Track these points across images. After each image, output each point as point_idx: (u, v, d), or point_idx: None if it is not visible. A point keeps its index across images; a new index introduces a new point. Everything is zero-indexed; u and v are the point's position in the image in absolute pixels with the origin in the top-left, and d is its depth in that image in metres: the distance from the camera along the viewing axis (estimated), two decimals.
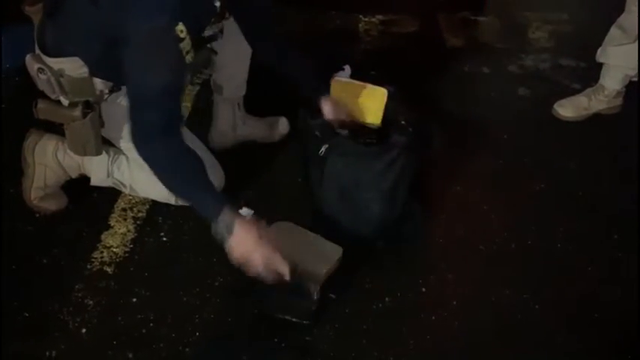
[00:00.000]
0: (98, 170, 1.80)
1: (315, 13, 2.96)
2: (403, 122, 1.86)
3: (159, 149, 1.42)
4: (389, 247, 1.75)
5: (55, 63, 1.52)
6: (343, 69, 2.03)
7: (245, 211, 1.84)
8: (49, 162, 1.78)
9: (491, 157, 2.11)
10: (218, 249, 1.72)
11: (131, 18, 1.32)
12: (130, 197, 1.91)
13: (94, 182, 1.83)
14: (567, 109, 2.27)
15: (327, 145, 1.71)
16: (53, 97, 1.58)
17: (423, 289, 1.68)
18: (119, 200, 1.91)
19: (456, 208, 1.91)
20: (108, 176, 1.81)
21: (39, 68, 1.53)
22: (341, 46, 2.73)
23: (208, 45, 1.65)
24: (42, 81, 1.56)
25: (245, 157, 2.05)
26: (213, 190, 1.49)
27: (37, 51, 1.56)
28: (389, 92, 1.77)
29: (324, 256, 1.59)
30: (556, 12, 2.99)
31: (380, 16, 2.97)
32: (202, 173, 1.47)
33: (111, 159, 1.79)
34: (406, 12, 2.98)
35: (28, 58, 1.57)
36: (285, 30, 2.77)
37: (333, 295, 1.60)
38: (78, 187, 1.86)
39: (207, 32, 1.59)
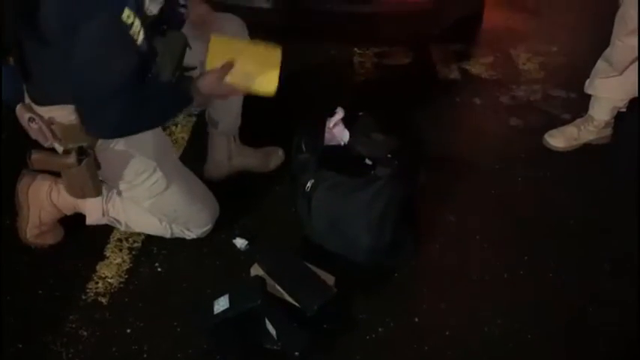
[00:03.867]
0: (93, 211, 1.83)
1: (311, 44, 3.02)
2: (389, 155, 1.90)
3: (130, 123, 1.49)
4: (380, 276, 1.76)
5: (46, 112, 1.52)
6: (336, 112, 2.07)
7: (239, 241, 1.88)
8: (43, 203, 1.80)
9: (483, 187, 2.14)
10: (212, 280, 1.75)
11: (80, 26, 1.32)
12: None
13: (89, 222, 1.85)
14: (558, 139, 2.30)
15: (312, 180, 1.75)
16: (46, 145, 1.58)
17: (416, 319, 1.69)
18: (114, 231, 1.93)
19: (448, 237, 1.93)
20: (103, 215, 1.83)
21: (30, 118, 1.52)
22: (335, 78, 2.79)
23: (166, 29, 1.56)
24: (34, 130, 1.54)
25: (239, 186, 2.08)
26: (171, 90, 1.56)
27: (27, 100, 1.55)
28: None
29: (317, 288, 1.59)
30: (546, 44, 3.05)
31: (374, 49, 3.04)
32: (155, 90, 1.51)
33: (105, 198, 1.81)
34: (400, 44, 3.05)
35: (19, 107, 1.56)
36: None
37: (325, 325, 1.61)
38: (74, 217, 1.88)
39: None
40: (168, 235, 1.86)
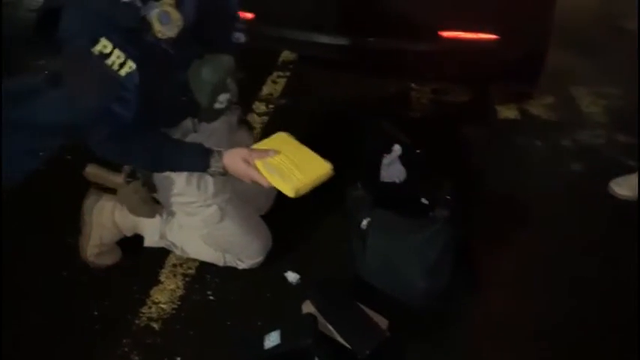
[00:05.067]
0: (151, 232, 1.87)
1: (367, 79, 3.04)
2: (448, 197, 1.87)
3: (121, 153, 1.50)
4: (435, 323, 1.71)
5: None
6: (393, 149, 2.06)
7: (291, 275, 1.87)
8: (106, 222, 1.85)
9: (544, 234, 2.07)
10: (262, 312, 1.75)
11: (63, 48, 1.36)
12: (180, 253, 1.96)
13: (147, 243, 1.90)
14: (623, 187, 2.21)
15: (368, 219, 1.73)
16: None
17: None
18: (170, 255, 1.96)
19: (507, 285, 1.86)
20: (161, 238, 1.87)
21: None
22: (391, 112, 2.78)
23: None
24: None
25: (292, 218, 2.07)
26: (188, 148, 1.55)
27: None
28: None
29: (370, 331, 1.56)
30: (610, 87, 2.97)
31: (431, 85, 3.03)
32: (170, 142, 1.54)
33: (164, 221, 1.85)
34: (456, 82, 3.02)
35: None
36: (335, 95, 2.89)
37: None
38: (131, 240, 1.93)
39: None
40: (221, 264, 1.88)
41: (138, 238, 1.93)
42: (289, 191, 1.46)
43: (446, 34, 2.39)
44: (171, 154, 1.54)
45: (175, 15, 1.41)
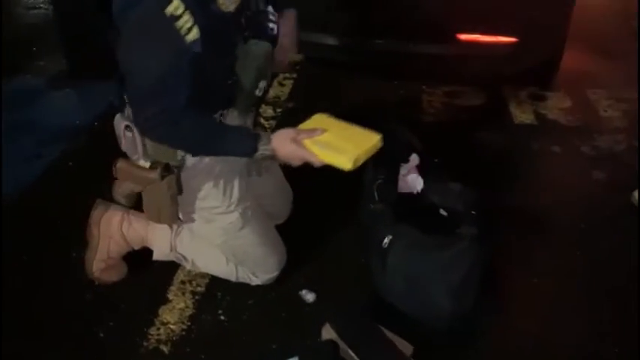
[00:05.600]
0: (161, 244, 1.78)
1: (378, 82, 2.95)
2: (473, 212, 1.78)
3: (168, 133, 1.42)
4: (461, 346, 1.63)
5: None
6: (410, 159, 1.97)
7: (306, 294, 1.79)
8: (114, 234, 1.76)
9: (567, 248, 1.98)
10: (277, 333, 1.66)
11: (128, 11, 1.30)
12: (189, 270, 1.87)
13: (156, 257, 1.81)
14: None
15: (390, 236, 1.64)
16: (134, 157, 1.56)
17: None
18: (178, 272, 1.87)
19: (532, 304, 1.78)
20: (171, 250, 1.78)
21: (126, 126, 1.52)
22: (403, 117, 2.69)
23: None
24: (127, 139, 1.53)
25: (306, 232, 1.99)
26: (235, 131, 1.50)
27: (127, 111, 1.52)
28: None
29: (394, 358, 1.47)
30: (628, 90, 2.88)
31: (444, 87, 2.94)
32: (217, 125, 1.50)
33: (174, 233, 1.77)
34: (470, 84, 2.93)
35: (118, 116, 1.56)
36: (344, 97, 2.80)
37: None
38: (138, 257, 1.83)
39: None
40: (233, 279, 1.79)
41: (143, 254, 1.83)
42: (346, 163, 1.41)
43: (464, 36, 2.31)
44: (220, 135, 1.48)
45: None
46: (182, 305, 1.77)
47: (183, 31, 1.29)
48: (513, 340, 1.68)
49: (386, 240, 1.61)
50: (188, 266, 1.83)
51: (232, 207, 1.64)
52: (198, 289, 1.83)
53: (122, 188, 1.62)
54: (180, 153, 1.53)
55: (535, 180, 2.32)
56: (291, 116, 2.71)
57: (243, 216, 1.66)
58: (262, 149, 1.44)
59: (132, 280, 1.82)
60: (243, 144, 1.46)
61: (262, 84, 1.55)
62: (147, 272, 1.84)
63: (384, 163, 2.04)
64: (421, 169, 2.04)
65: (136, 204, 1.66)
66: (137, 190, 1.59)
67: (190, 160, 1.54)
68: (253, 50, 1.49)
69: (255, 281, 1.78)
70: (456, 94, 2.91)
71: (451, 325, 1.61)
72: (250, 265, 1.76)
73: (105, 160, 1.60)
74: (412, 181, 2.02)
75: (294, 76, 3.07)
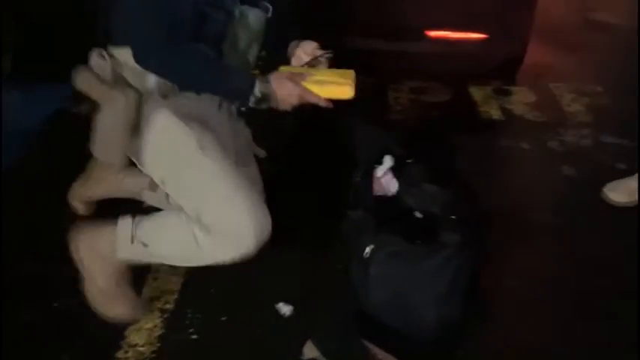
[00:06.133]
0: (123, 239, 1.56)
1: None
2: (454, 217, 1.74)
3: (164, 59, 1.39)
4: (446, 356, 1.58)
5: (117, 52, 1.46)
6: (384, 160, 1.91)
7: (283, 307, 1.70)
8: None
9: (543, 247, 1.96)
10: (253, 352, 1.57)
11: None
12: (157, 285, 1.76)
13: (121, 255, 1.57)
14: (619, 193, 2.14)
15: (372, 246, 1.58)
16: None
17: None
18: (145, 288, 1.75)
19: (513, 307, 1.75)
20: (132, 242, 1.56)
21: (99, 54, 1.47)
22: (370, 114, 2.62)
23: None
24: (98, 67, 1.47)
25: (284, 241, 1.88)
26: (234, 68, 1.49)
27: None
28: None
29: None
30: (589, 83, 2.92)
31: (409, 83, 2.89)
32: (216, 62, 1.47)
33: (134, 224, 1.56)
34: (436, 80, 2.90)
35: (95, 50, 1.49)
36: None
37: None
38: None
39: None
40: (200, 262, 1.52)
41: None
42: (349, 91, 1.47)
43: (433, 33, 2.26)
44: (218, 70, 1.46)
45: None
46: (150, 325, 1.66)
47: None
48: (499, 350, 1.62)
49: (367, 250, 1.54)
50: (146, 258, 1.59)
51: (198, 156, 1.46)
52: (167, 306, 1.71)
53: (81, 192, 1.50)
54: (151, 84, 1.46)
55: (506, 177, 2.31)
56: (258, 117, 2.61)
57: (201, 136, 1.47)
58: (260, 86, 1.42)
59: None
60: (242, 79, 1.44)
61: (254, 49, 1.56)
62: None
63: (358, 164, 1.98)
64: (395, 170, 1.98)
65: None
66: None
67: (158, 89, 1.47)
68: (248, 13, 1.50)
69: (225, 258, 1.46)
70: (422, 90, 2.87)
71: (437, 336, 1.56)
72: (222, 232, 1.44)
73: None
74: (387, 183, 1.96)
75: (256, 72, 2.95)
